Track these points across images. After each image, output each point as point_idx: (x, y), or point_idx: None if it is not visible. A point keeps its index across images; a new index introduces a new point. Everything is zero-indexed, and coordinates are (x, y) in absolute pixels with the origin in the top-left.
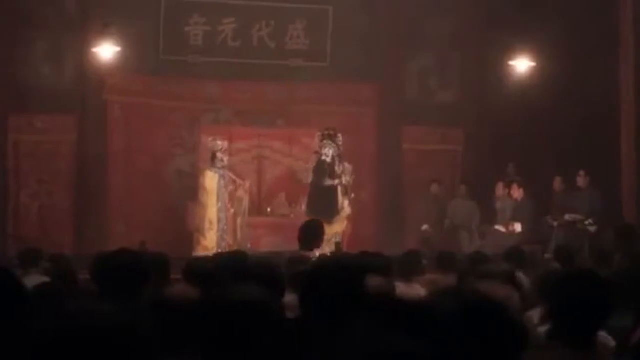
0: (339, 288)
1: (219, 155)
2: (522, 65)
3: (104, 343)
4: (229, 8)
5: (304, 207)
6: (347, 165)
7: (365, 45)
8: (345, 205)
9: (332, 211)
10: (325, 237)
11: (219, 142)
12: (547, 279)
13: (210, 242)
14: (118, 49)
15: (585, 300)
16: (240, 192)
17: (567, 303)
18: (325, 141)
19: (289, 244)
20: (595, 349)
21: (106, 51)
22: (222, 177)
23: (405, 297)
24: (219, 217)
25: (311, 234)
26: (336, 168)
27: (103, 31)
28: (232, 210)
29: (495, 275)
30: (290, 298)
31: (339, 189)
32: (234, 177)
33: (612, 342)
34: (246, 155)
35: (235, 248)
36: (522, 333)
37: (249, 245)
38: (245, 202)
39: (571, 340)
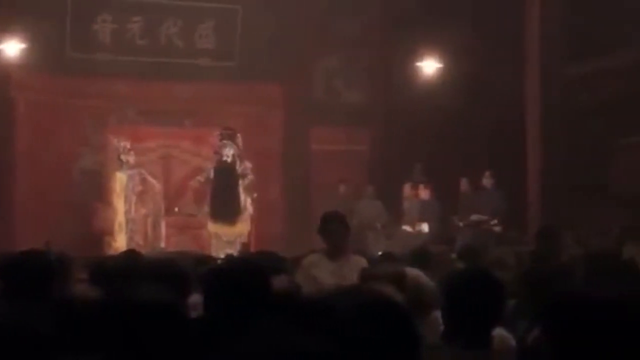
0: (243, 288)
1: (123, 157)
2: (429, 66)
3: (3, 342)
4: (137, 6)
5: (206, 209)
6: (247, 164)
7: (273, 46)
8: (247, 204)
9: (234, 211)
10: (230, 238)
11: (121, 144)
12: (447, 279)
13: (120, 244)
14: (23, 45)
15: (477, 300)
16: (153, 192)
17: (460, 303)
18: (224, 141)
19: (196, 243)
20: (491, 349)
21: (11, 48)
22: (131, 177)
23: (310, 297)
24: (126, 219)
25: None
26: (237, 168)
27: (8, 28)
28: (143, 211)
29: (383, 276)
30: (197, 298)
31: (241, 188)
32: (146, 176)
33: (512, 342)
34: (153, 154)
35: (146, 249)
36: (416, 334)
37: (162, 245)
38: (159, 202)
39: (465, 340)
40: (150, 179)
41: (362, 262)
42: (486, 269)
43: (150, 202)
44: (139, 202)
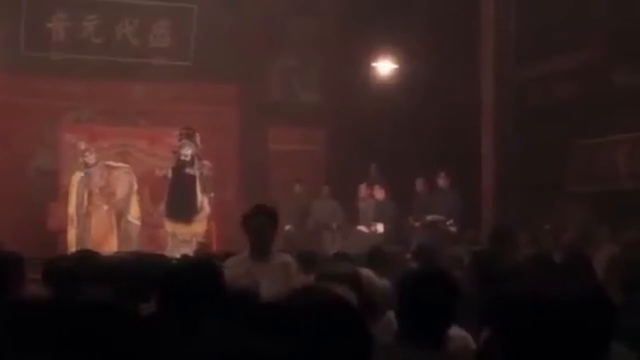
0: (195, 288)
1: (80, 159)
2: (384, 66)
3: None
4: (92, 4)
5: (163, 208)
6: (206, 163)
7: (229, 45)
8: (205, 204)
9: (191, 210)
10: (186, 237)
11: (79, 147)
12: (401, 279)
13: (70, 241)
14: None
15: (431, 300)
16: (119, 190)
17: (414, 303)
18: (183, 141)
19: (152, 243)
20: (445, 349)
21: None
22: (87, 175)
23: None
24: (77, 215)
25: None
26: (195, 167)
27: None
28: (105, 207)
29: (337, 276)
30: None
31: (198, 188)
32: (107, 176)
33: (472, 344)
34: (108, 154)
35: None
36: (368, 334)
37: (134, 242)
38: (124, 201)
39: (419, 339)
40: (123, 175)
41: (288, 260)
42: (441, 268)
43: (113, 199)
44: (99, 199)
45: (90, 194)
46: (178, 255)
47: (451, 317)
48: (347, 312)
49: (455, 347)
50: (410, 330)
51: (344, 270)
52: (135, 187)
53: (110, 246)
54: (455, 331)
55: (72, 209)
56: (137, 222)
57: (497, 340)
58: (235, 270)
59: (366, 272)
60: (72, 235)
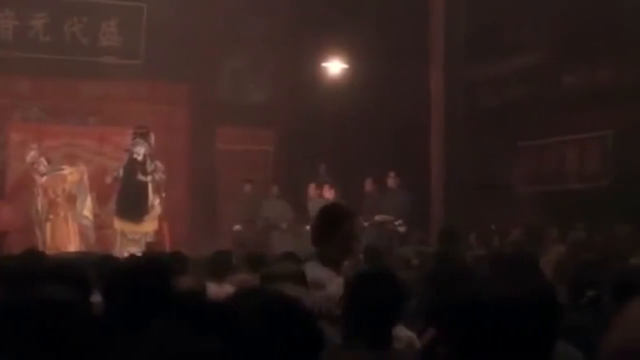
0: (142, 288)
1: (35, 166)
2: (334, 66)
3: None
4: (40, 2)
5: (113, 206)
6: (158, 163)
7: (179, 44)
8: (156, 204)
9: (142, 210)
10: (135, 236)
11: (31, 153)
12: (348, 279)
13: (26, 242)
14: None
15: (377, 300)
16: (75, 193)
17: (361, 302)
18: (137, 139)
19: (100, 243)
20: (390, 348)
21: None
22: (41, 185)
23: (214, 297)
24: (34, 218)
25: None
26: (147, 166)
27: None
28: (62, 213)
29: (282, 275)
30: (98, 298)
31: (150, 187)
32: (62, 175)
33: (418, 344)
34: (57, 153)
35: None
36: (317, 333)
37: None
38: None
39: (366, 339)
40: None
41: None
42: (388, 269)
43: (69, 203)
44: (57, 204)
45: (47, 202)
46: (126, 255)
47: (397, 317)
48: (296, 311)
49: (401, 346)
50: (356, 330)
51: (288, 269)
52: (88, 187)
53: (73, 249)
54: (402, 331)
55: (28, 210)
56: (91, 222)
57: (441, 340)
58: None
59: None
60: (27, 235)
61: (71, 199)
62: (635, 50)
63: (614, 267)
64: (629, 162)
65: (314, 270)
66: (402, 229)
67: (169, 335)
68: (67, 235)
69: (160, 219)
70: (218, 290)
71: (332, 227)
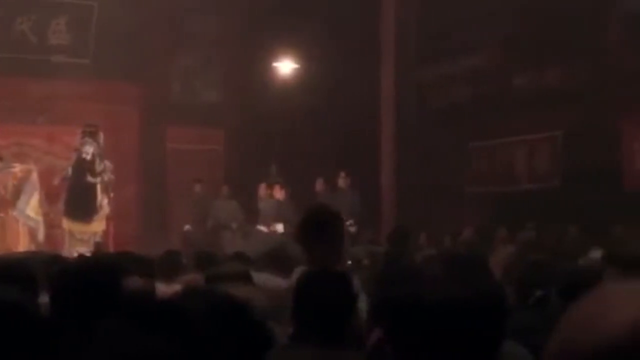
0: (91, 288)
1: None
2: (285, 66)
3: None
4: None
5: (62, 206)
6: (107, 163)
7: (129, 43)
8: (104, 204)
9: (90, 210)
10: (84, 237)
11: None
12: (297, 279)
13: None
14: None
15: (327, 299)
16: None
17: (309, 302)
18: (86, 138)
19: (49, 243)
20: (339, 349)
21: None
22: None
23: (163, 297)
24: None
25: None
26: (96, 166)
27: None
28: (14, 213)
29: (227, 275)
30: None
31: (99, 187)
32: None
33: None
34: (6, 152)
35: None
36: (266, 333)
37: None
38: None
39: (315, 340)
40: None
41: None
42: (338, 269)
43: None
44: (6, 205)
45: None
46: (75, 255)
47: (348, 317)
48: (243, 311)
49: (349, 346)
50: (305, 330)
51: (234, 270)
52: (37, 186)
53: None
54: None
55: None
56: (36, 221)
57: (388, 340)
58: None
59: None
60: None
61: (16, 197)
62: (584, 51)
63: (563, 268)
64: (578, 163)
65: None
66: (352, 229)
67: (118, 335)
68: (17, 234)
69: (108, 218)
70: (167, 290)
71: (319, 230)
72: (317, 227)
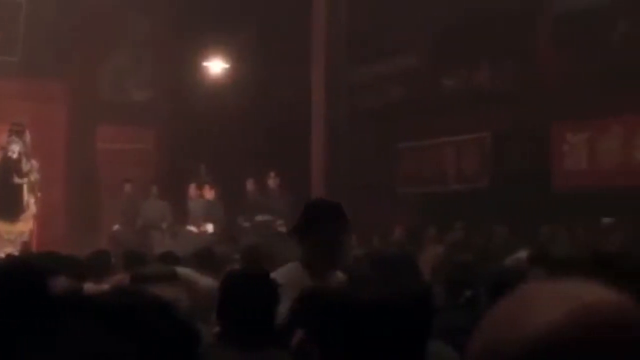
0: (17, 288)
1: None
2: (216, 66)
3: None
4: None
5: None
6: (34, 162)
7: (58, 41)
8: (31, 203)
9: (17, 209)
10: (11, 237)
11: None
12: (222, 279)
13: None
14: None
15: (252, 300)
16: None
17: (233, 302)
18: (12, 137)
19: None
20: (263, 349)
21: None
22: None
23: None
24: None
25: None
26: (23, 165)
27: None
28: None
29: (154, 276)
30: None
31: (25, 186)
32: None
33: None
34: None
35: None
36: (192, 333)
37: None
38: None
39: (238, 340)
40: None
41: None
42: (263, 268)
43: None
44: None
45: None
46: (2, 255)
47: (272, 317)
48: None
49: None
50: (230, 330)
51: (160, 270)
52: None
53: None
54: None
55: None
56: None
57: (312, 341)
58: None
59: (188, 272)
60: None
61: None
62: (513, 53)
63: (491, 267)
64: (507, 164)
65: (282, 272)
66: (282, 229)
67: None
68: None
69: (35, 218)
70: (95, 290)
71: (313, 229)
72: (307, 225)
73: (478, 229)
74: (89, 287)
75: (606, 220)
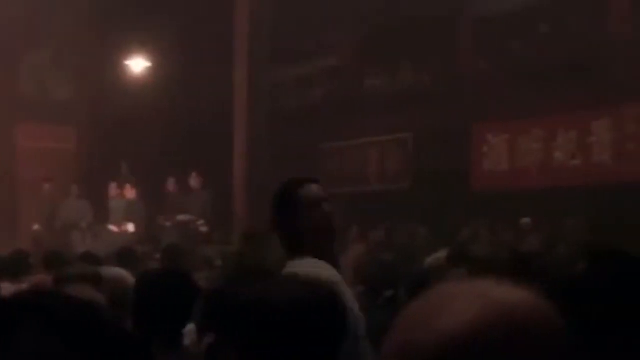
0: None
1: None
2: (138, 65)
3: None
4: None
5: None
6: None
7: None
8: None
9: None
10: None
11: None
12: (138, 279)
13: None
14: None
15: (165, 299)
16: None
17: (148, 302)
18: None
19: None
20: (179, 349)
21: None
22: None
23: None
24: None
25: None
26: None
27: None
28: None
29: (78, 276)
30: None
31: None
32: None
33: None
34: None
35: None
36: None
37: None
38: None
39: (153, 339)
40: None
41: None
42: (184, 268)
43: None
44: None
45: None
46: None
47: (188, 317)
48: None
49: (191, 344)
50: (145, 329)
51: (84, 271)
52: None
53: None
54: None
55: None
56: None
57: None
58: None
59: (117, 272)
60: None
61: None
62: (435, 54)
63: (412, 267)
64: (428, 164)
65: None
66: (204, 229)
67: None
68: None
69: None
70: (14, 290)
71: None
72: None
73: (399, 229)
74: (5, 286)
75: (525, 220)
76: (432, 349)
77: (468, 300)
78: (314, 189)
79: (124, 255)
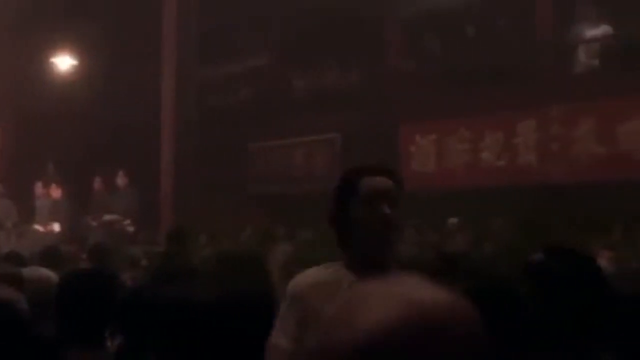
0: None
1: None
2: (63, 62)
3: None
4: None
5: None
6: None
7: None
8: None
9: None
10: None
11: None
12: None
13: None
14: None
15: (87, 299)
16: None
17: (69, 301)
18: None
19: None
20: (102, 349)
21: None
22: None
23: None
24: None
25: None
26: None
27: None
28: None
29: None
30: None
31: None
32: None
33: None
34: None
35: None
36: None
37: None
38: None
39: (75, 339)
40: None
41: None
42: (107, 268)
43: None
44: None
45: None
46: None
47: (109, 316)
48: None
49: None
50: (67, 329)
51: (3, 270)
52: None
53: None
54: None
55: None
56: None
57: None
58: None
59: (41, 272)
60: None
61: None
62: (362, 54)
63: None
64: (356, 164)
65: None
66: (130, 229)
67: None
68: None
69: None
70: None
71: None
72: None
73: (327, 228)
74: None
75: (452, 220)
76: (350, 348)
77: (386, 300)
78: (377, 182)
79: (49, 255)
